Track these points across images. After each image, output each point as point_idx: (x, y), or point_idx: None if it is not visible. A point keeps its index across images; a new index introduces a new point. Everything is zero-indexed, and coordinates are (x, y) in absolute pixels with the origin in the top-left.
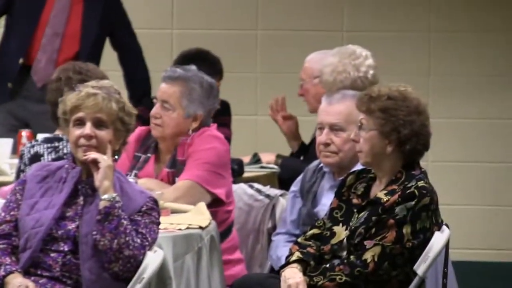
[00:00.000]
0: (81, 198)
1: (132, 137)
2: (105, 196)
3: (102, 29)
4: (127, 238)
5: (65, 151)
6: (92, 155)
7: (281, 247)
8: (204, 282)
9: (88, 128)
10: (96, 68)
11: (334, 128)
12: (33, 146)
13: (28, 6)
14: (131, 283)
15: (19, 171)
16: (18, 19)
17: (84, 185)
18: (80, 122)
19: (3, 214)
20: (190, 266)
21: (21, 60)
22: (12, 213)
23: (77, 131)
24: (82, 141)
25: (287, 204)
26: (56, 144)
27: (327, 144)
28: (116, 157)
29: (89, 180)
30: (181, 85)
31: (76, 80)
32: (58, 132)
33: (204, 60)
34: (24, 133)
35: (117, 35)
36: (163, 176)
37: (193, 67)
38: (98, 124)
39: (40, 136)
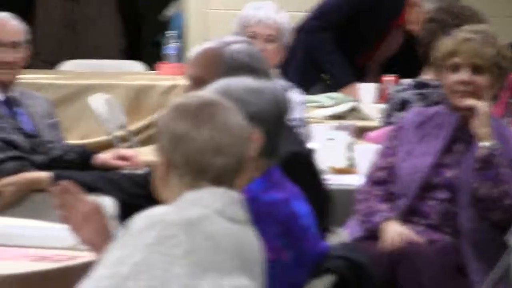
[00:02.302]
0: (459, 145)
1: (507, 83)
2: (484, 144)
3: None
4: (506, 187)
5: (433, 98)
6: (469, 101)
7: None
8: None
9: (464, 74)
10: (473, 13)
11: None
12: (400, 91)
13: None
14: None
15: (387, 115)
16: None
17: (461, 132)
18: (456, 68)
19: (379, 160)
20: None
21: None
22: (388, 159)
23: (453, 77)
24: (458, 87)
25: None
26: (424, 91)
27: None
28: (493, 103)
29: (466, 127)
30: None
31: (451, 23)
32: (426, 77)
33: None
34: (389, 77)
35: None
36: None
37: None
38: (475, 69)
39: (406, 81)
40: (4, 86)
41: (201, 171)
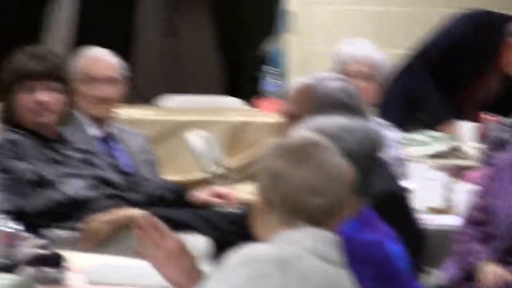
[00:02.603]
0: None
1: None
2: None
3: None
4: None
5: None
6: None
7: None
8: None
9: None
10: None
11: None
12: (499, 131)
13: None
14: None
15: (485, 155)
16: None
17: None
18: None
19: (475, 200)
20: None
21: None
22: (485, 199)
23: None
24: None
25: None
26: None
27: None
28: None
29: None
30: None
31: None
32: None
33: None
34: (488, 116)
35: None
36: None
37: None
38: None
39: (505, 120)
40: (99, 121)
41: (297, 210)
